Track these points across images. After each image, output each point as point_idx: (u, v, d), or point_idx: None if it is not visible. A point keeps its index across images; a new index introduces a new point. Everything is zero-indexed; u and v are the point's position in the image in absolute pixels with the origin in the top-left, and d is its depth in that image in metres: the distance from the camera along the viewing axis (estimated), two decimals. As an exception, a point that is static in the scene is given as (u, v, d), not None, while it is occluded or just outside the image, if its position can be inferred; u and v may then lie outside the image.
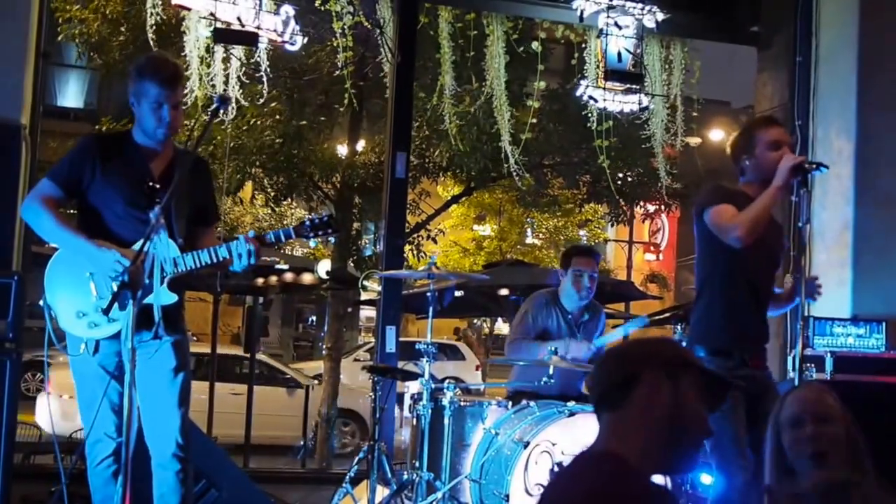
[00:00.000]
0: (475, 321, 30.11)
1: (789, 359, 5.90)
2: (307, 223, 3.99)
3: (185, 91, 5.82)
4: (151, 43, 5.79)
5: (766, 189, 4.06)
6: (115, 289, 3.55)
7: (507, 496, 4.68)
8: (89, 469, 3.96)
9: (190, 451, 3.97)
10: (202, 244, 4.04)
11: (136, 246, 3.59)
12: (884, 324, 6.05)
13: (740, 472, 4.06)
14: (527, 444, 4.74)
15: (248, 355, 10.56)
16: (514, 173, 7.52)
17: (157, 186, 3.90)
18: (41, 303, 3.88)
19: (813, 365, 5.77)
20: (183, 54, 5.83)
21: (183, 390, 3.96)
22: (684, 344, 4.68)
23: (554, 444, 4.76)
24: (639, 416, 2.07)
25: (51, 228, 3.85)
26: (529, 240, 25.37)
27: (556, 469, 4.58)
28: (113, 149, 3.97)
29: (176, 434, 3.90)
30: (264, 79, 5.95)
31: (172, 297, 3.88)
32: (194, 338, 18.41)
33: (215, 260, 3.84)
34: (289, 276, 10.72)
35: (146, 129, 3.93)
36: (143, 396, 3.86)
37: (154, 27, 5.76)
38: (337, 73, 7.65)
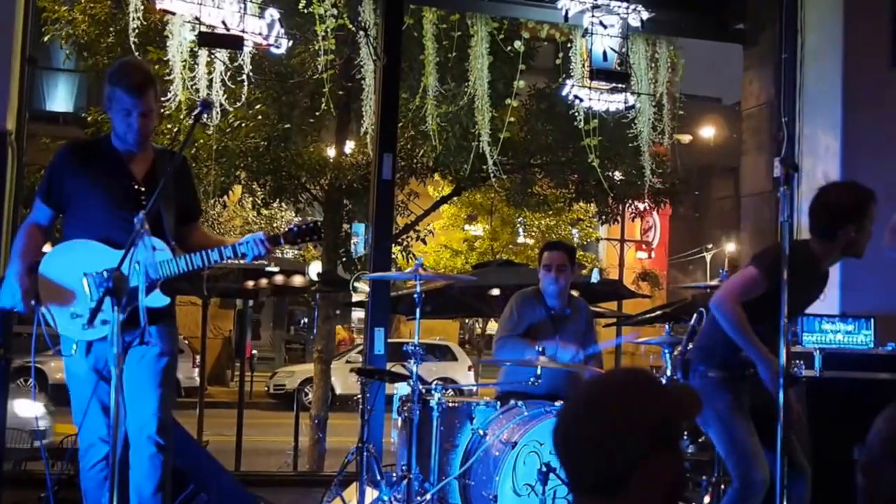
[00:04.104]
0: (467, 321, 30.12)
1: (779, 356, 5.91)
2: (293, 228, 4.03)
3: (168, 95, 5.82)
4: (133, 47, 5.78)
5: (833, 248, 4.27)
6: (99, 295, 3.55)
7: (496, 497, 4.68)
8: (82, 472, 3.95)
9: (169, 440, 3.94)
10: (191, 241, 4.08)
11: (139, 252, 3.59)
12: (872, 320, 6.06)
13: (761, 469, 4.19)
14: (514, 445, 4.73)
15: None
16: (492, 174, 7.52)
17: (142, 189, 3.92)
18: (31, 303, 3.87)
19: (802, 362, 5.78)
20: (166, 59, 5.82)
21: (165, 373, 3.95)
22: (675, 356, 4.80)
23: (541, 445, 4.75)
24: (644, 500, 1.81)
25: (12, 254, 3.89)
26: (521, 239, 25.34)
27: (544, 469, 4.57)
28: (91, 154, 3.99)
29: (154, 413, 3.88)
30: (246, 82, 5.93)
31: (165, 300, 3.89)
32: (186, 340, 18.38)
33: (207, 263, 3.88)
34: (279, 279, 10.70)
35: (117, 134, 3.95)
36: (129, 391, 3.83)
37: (136, 31, 5.74)
38: (317, 76, 7.63)
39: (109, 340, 3.56)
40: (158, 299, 3.87)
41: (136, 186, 3.94)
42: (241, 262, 4.12)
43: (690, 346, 5.12)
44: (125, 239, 3.67)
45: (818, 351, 5.73)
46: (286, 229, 4.10)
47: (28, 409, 9.01)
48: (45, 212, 3.96)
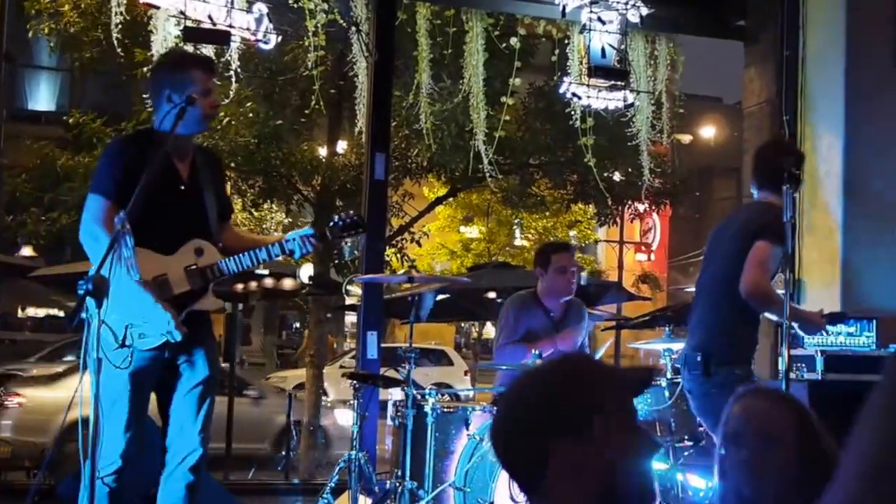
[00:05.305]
0: (463, 325, 30.00)
1: (780, 359, 5.80)
2: (339, 222, 3.97)
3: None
4: (116, 43, 5.63)
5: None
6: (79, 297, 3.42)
7: (492, 504, 4.58)
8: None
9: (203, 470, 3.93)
10: (224, 239, 4.02)
11: (134, 251, 3.44)
12: (874, 321, 5.95)
13: None
14: (511, 451, 4.62)
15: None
16: (488, 174, 7.40)
17: (184, 189, 3.85)
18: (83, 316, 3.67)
19: (804, 364, 5.67)
20: (150, 54, 5.67)
21: (211, 404, 3.91)
22: (679, 351, 4.64)
23: (539, 451, 4.63)
24: (567, 496, 1.62)
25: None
26: (518, 241, 25.23)
27: None
28: (142, 151, 3.81)
29: (198, 447, 3.85)
30: (233, 78, 5.79)
31: (218, 303, 3.88)
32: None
33: (256, 263, 3.85)
34: (269, 282, 10.54)
35: (192, 121, 3.77)
36: (175, 416, 3.85)
37: (119, 26, 5.59)
38: (306, 73, 7.50)
39: (90, 344, 3.44)
40: (212, 302, 3.83)
41: (181, 187, 3.85)
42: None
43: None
44: (172, 242, 3.70)
45: (819, 353, 5.62)
46: (331, 223, 4.02)
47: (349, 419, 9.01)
48: (109, 205, 3.72)
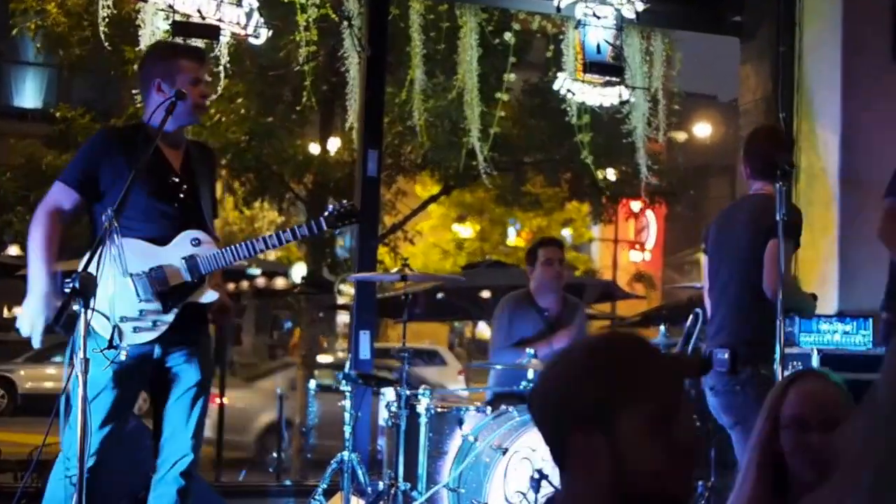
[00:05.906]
0: (456, 324, 29.96)
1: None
2: (333, 210, 3.93)
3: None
4: (104, 37, 5.55)
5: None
6: (66, 296, 3.36)
7: (486, 505, 4.54)
8: (54, 475, 3.74)
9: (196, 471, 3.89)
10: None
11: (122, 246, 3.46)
12: (870, 320, 5.91)
13: None
14: (506, 451, 4.61)
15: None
16: (483, 171, 7.33)
17: (177, 180, 3.78)
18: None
19: (800, 363, 5.64)
20: (138, 49, 5.59)
21: (204, 407, 3.85)
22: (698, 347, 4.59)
23: (534, 451, 4.62)
24: (581, 487, 1.57)
25: (31, 249, 3.70)
26: (512, 241, 25.22)
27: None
28: (130, 142, 3.76)
29: (190, 452, 3.79)
30: (222, 74, 5.71)
31: (214, 296, 3.78)
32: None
33: (253, 252, 3.81)
34: (261, 282, 10.50)
35: (181, 113, 3.72)
36: (167, 419, 3.81)
37: (106, 20, 5.50)
38: (298, 68, 7.43)
39: (77, 345, 3.39)
40: (210, 295, 3.77)
41: (174, 178, 3.78)
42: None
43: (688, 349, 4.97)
44: (166, 234, 3.65)
45: (815, 351, 5.58)
46: (325, 212, 3.97)
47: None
48: (72, 196, 3.71)
